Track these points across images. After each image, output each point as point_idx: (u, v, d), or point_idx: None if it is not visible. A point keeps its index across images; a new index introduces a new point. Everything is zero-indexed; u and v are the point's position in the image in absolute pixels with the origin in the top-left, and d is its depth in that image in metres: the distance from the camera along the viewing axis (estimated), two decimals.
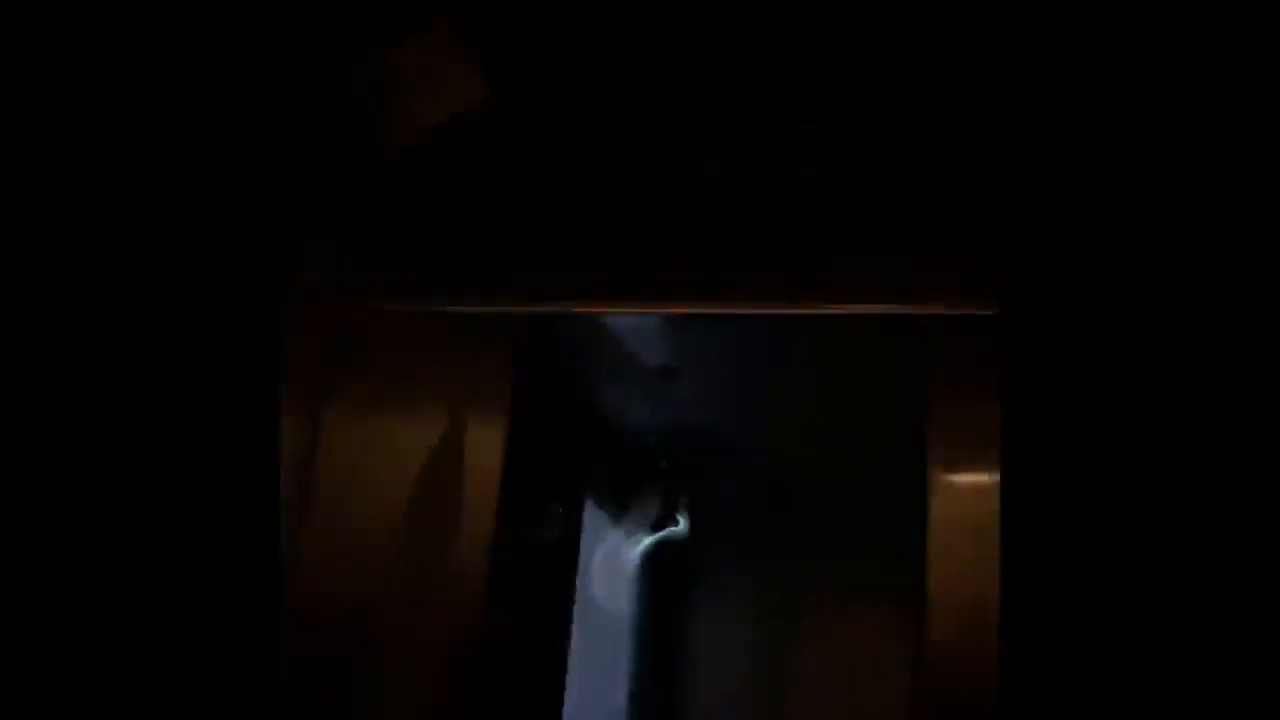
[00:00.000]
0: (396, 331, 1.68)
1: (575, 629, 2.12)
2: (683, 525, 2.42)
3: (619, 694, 2.63)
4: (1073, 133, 1.10)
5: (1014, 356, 1.14)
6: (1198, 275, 1.07)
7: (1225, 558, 1.04)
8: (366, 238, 1.71)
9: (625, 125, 1.71)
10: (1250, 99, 1.02)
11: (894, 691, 2.66)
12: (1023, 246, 1.08)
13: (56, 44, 1.27)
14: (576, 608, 2.13)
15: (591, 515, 2.28)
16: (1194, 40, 1.03)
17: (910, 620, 2.65)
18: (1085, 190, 1.10)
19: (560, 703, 2.00)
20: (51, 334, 1.45)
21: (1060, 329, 1.11)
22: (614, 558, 2.35)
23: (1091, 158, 1.10)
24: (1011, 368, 1.13)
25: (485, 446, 1.64)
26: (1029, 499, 1.05)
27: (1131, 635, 1.01)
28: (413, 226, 1.75)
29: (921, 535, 1.49)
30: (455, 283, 1.73)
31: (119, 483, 1.42)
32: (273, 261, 1.73)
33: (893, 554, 2.56)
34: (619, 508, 2.36)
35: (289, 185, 1.75)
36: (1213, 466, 1.08)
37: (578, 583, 2.14)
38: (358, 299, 1.71)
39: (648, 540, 2.39)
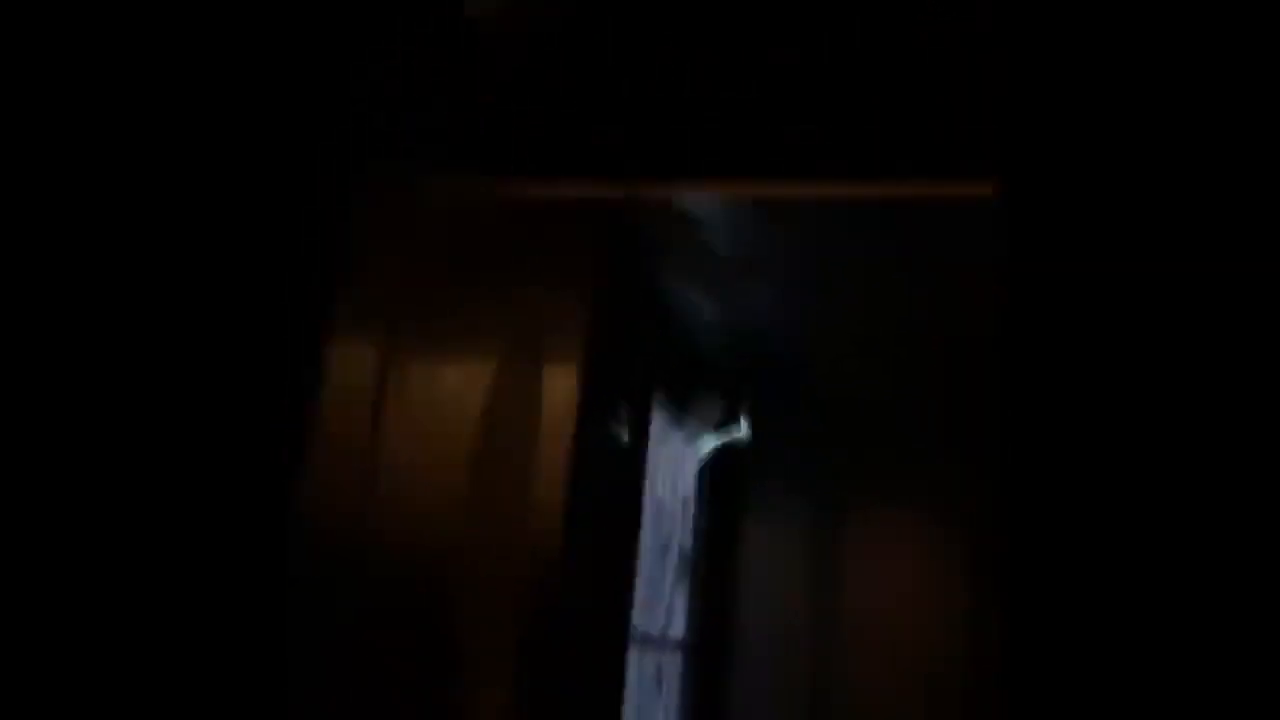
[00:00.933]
0: (481, 218, 1.61)
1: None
2: (744, 429, 2.37)
3: (678, 593, 2.63)
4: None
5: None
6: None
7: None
8: (452, 124, 1.62)
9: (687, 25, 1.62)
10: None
11: (945, 592, 2.67)
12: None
13: None
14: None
15: (656, 417, 2.22)
16: None
17: (960, 522, 2.66)
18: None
19: (630, 601, 1.98)
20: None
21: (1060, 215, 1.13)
22: (677, 460, 2.31)
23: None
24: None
25: (564, 349, 1.58)
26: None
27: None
28: (498, 112, 1.66)
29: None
30: (540, 165, 1.64)
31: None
32: (348, 155, 1.66)
33: (946, 459, 2.53)
34: (684, 409, 2.31)
35: (362, 67, 1.66)
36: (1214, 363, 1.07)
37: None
38: (440, 183, 1.63)
39: (711, 443, 2.35)
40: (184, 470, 1.46)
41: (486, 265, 1.64)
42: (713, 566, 2.72)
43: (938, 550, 2.54)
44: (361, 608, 1.50)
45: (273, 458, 1.57)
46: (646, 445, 2.05)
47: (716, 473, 2.62)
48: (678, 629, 2.66)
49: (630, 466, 1.98)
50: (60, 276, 1.30)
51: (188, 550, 1.42)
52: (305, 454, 1.61)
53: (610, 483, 1.81)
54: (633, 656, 2.19)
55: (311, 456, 1.60)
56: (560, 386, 1.58)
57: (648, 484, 2.14)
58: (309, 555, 1.54)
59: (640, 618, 2.30)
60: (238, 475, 1.53)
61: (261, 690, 1.41)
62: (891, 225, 1.65)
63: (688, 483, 2.46)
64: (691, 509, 2.64)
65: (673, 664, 2.65)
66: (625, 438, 1.85)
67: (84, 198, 1.34)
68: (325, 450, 1.61)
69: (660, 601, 2.47)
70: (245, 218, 1.57)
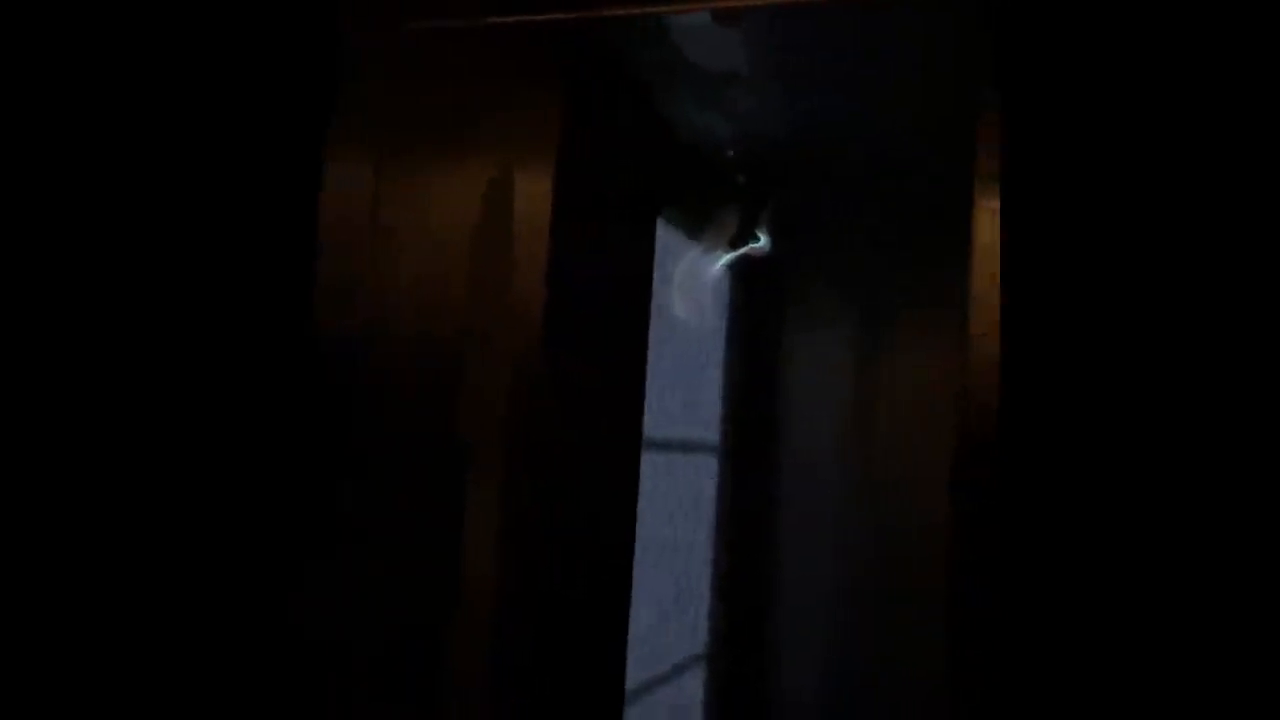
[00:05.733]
0: (447, 52, 1.65)
1: (659, 346, 2.19)
2: (763, 241, 2.40)
3: (712, 405, 2.74)
4: None
5: None
6: None
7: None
8: None
9: None
10: None
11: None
12: None
13: None
14: (657, 326, 2.18)
15: (669, 234, 2.28)
16: None
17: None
18: None
19: (640, 411, 2.10)
20: None
21: None
22: (693, 276, 2.37)
23: None
24: None
25: (537, 167, 1.63)
26: None
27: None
28: None
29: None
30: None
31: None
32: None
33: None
34: (697, 226, 2.35)
35: None
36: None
37: (656, 302, 2.18)
38: (407, 18, 1.67)
39: (727, 257, 2.39)
40: (206, 289, 1.60)
41: (466, 88, 1.69)
42: (750, 373, 2.81)
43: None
44: (368, 411, 1.65)
45: (287, 270, 1.70)
46: (652, 259, 2.12)
47: (749, 282, 2.67)
48: (714, 435, 2.79)
49: (634, 280, 2.06)
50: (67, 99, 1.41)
51: (213, 363, 1.58)
52: (313, 271, 1.73)
53: (604, 296, 1.89)
54: (657, 462, 2.33)
55: (319, 274, 1.72)
56: (537, 203, 1.65)
57: (660, 296, 2.22)
58: (322, 365, 1.68)
59: (665, 424, 2.43)
60: (255, 288, 1.66)
61: (286, 484, 1.58)
62: (863, 22, 1.61)
63: (712, 294, 2.52)
64: (723, 320, 2.71)
65: (710, 469, 2.80)
66: (618, 252, 1.91)
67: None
68: (330, 266, 1.73)
69: (691, 408, 2.59)
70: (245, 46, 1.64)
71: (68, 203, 1.41)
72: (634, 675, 2.15)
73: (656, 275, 2.17)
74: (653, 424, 2.24)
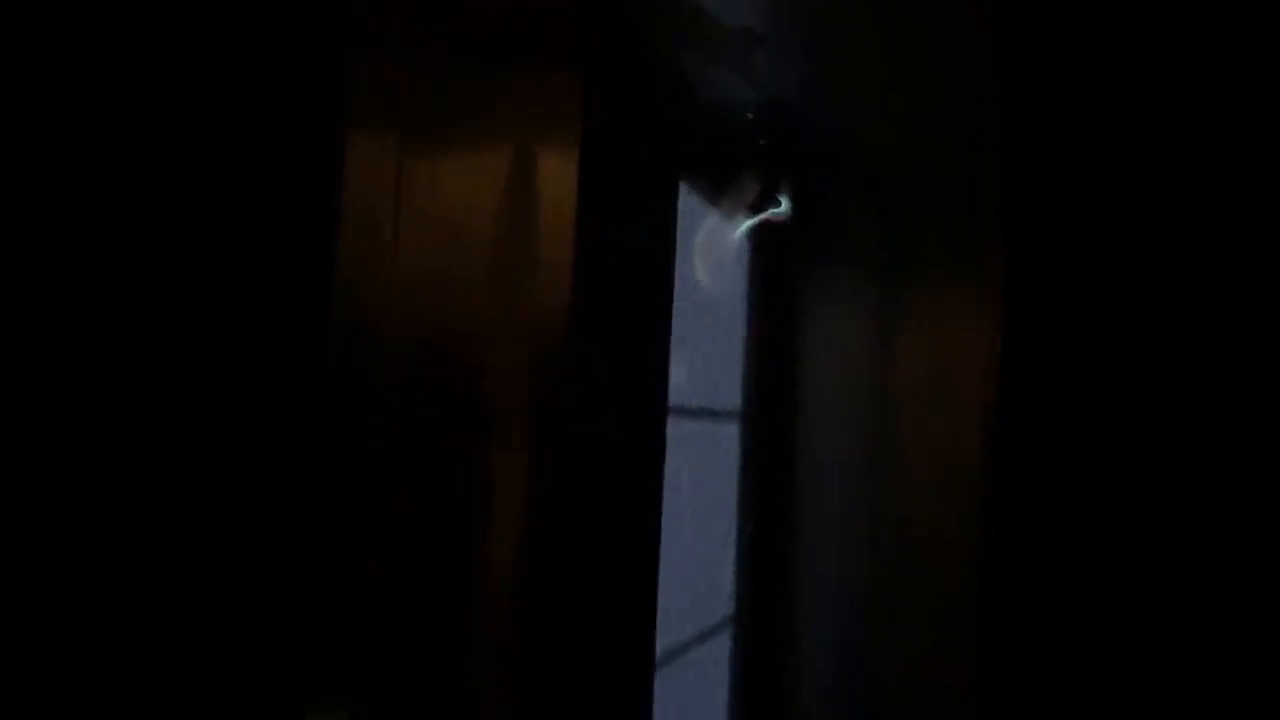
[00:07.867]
0: (462, 24, 1.63)
1: (680, 313, 2.17)
2: (784, 206, 2.37)
3: (734, 371, 2.73)
4: None
5: None
6: None
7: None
8: None
9: None
10: None
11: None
12: None
13: None
14: (679, 293, 2.17)
15: (689, 200, 2.25)
16: None
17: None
18: None
19: (665, 378, 2.09)
20: None
21: None
22: (714, 241, 2.35)
23: None
24: None
25: (560, 136, 1.61)
26: None
27: None
28: None
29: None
30: None
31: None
32: None
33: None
34: (717, 190, 2.32)
35: None
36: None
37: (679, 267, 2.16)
38: None
39: (748, 223, 2.37)
40: (225, 278, 1.59)
41: (484, 60, 1.66)
42: (772, 339, 2.80)
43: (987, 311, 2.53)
44: (389, 386, 1.65)
45: (308, 253, 1.69)
46: (675, 225, 2.10)
47: (769, 250, 2.65)
48: (734, 402, 2.78)
49: (657, 247, 2.04)
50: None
51: (233, 352, 1.57)
52: (334, 253, 1.72)
53: (628, 265, 1.87)
54: (680, 430, 2.32)
55: (340, 254, 1.71)
56: (561, 173, 1.63)
57: (682, 264, 2.20)
58: (342, 345, 1.68)
59: (688, 391, 2.42)
60: (278, 272, 1.66)
61: (302, 474, 1.58)
62: None
63: (732, 261, 2.50)
64: (742, 286, 2.69)
65: (732, 436, 2.80)
66: (641, 219, 1.89)
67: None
68: (352, 247, 1.71)
69: (713, 374, 2.59)
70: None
71: (86, 191, 1.39)
72: (661, 642, 2.16)
73: (679, 241, 2.15)
74: (675, 391, 2.23)
